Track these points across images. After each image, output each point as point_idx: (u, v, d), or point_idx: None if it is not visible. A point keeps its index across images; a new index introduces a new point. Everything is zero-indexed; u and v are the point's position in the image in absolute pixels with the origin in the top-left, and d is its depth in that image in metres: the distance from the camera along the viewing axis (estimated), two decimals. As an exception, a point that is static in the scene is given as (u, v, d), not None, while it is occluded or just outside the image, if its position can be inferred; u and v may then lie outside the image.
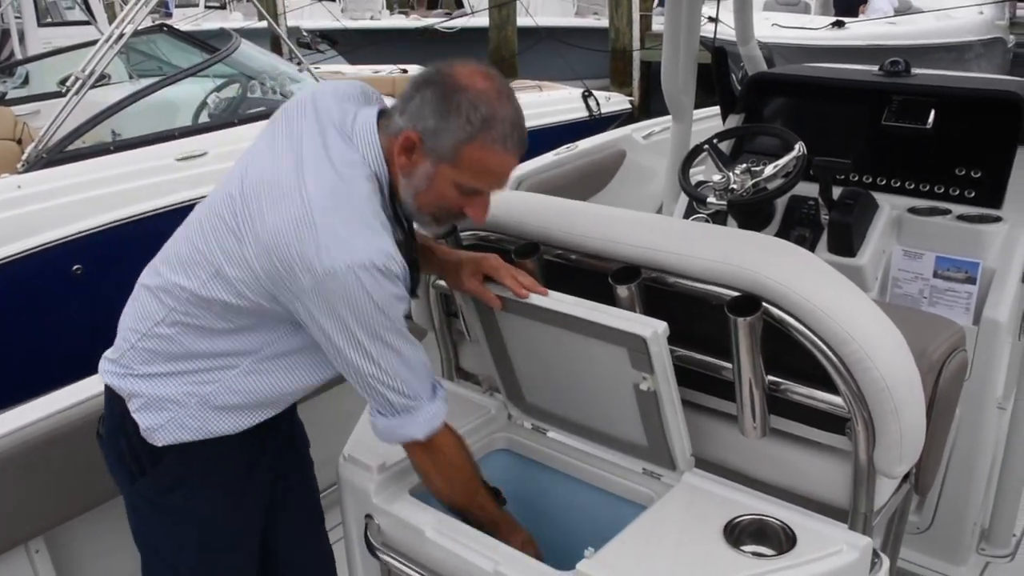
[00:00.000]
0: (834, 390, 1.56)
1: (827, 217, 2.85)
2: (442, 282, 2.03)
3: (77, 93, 4.82)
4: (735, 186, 2.82)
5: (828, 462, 1.68)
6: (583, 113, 7.69)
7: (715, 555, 1.51)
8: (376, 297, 1.54)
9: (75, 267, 4.46)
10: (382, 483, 1.82)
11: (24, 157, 4.73)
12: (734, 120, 3.33)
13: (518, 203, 2.01)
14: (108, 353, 1.82)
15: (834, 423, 1.63)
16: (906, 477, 1.84)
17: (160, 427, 1.73)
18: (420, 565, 1.71)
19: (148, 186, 4.78)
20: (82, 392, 2.20)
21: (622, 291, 1.67)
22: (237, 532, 1.89)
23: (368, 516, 1.81)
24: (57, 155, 4.70)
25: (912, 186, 2.90)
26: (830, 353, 1.53)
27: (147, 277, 1.77)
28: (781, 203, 2.98)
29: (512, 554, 1.63)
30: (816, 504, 1.68)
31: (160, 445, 1.74)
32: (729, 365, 1.64)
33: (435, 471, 1.77)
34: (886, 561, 1.60)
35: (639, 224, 1.85)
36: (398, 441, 1.73)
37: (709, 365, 1.70)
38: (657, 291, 1.68)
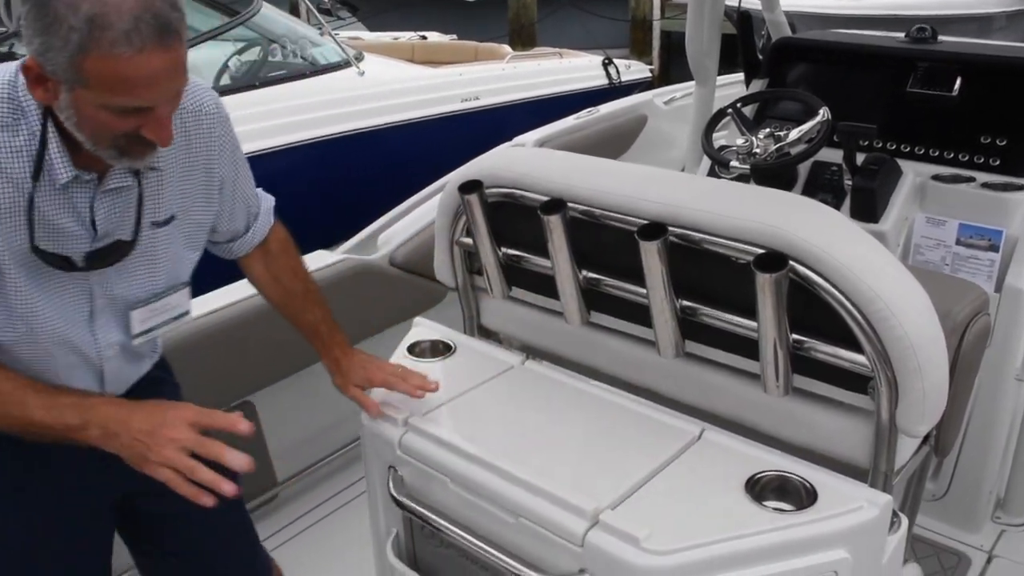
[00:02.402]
0: (858, 349, 1.56)
1: (850, 183, 2.84)
2: (467, 239, 2.03)
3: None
4: (758, 151, 2.81)
5: (849, 421, 1.69)
6: (603, 81, 7.66)
7: (737, 509, 1.52)
8: None
9: None
10: (406, 435, 1.83)
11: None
12: (758, 85, 3.32)
13: (544, 160, 2.01)
14: None
15: (856, 382, 1.63)
16: (926, 439, 1.85)
17: None
18: (444, 516, 1.73)
19: None
20: None
21: (648, 247, 1.67)
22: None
23: (392, 468, 1.83)
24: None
25: (936, 153, 2.89)
26: (855, 311, 1.52)
27: None
28: (804, 168, 2.97)
29: (534, 504, 1.63)
30: (836, 463, 1.68)
31: None
32: (753, 323, 1.65)
33: None
34: (905, 521, 1.61)
35: (666, 181, 1.85)
36: None
37: (733, 323, 1.70)
38: (682, 248, 1.69)
